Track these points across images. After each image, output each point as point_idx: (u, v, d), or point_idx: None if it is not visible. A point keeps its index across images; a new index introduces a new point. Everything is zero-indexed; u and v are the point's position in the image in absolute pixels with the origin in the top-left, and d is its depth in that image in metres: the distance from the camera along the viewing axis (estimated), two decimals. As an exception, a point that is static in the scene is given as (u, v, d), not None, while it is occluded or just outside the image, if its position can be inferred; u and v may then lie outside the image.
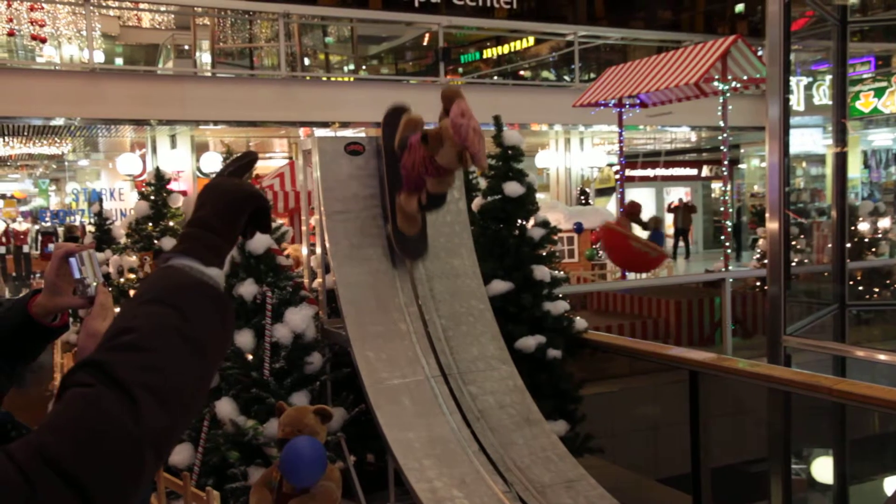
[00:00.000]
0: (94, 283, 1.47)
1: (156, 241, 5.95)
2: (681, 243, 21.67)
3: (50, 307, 1.52)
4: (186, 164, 15.12)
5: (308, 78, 16.79)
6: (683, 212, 21.71)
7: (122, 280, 6.31)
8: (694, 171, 24.25)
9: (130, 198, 16.38)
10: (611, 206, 19.79)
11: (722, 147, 11.08)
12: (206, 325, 1.02)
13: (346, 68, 22.61)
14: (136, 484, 0.89)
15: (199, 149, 15.88)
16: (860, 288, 9.77)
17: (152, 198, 6.14)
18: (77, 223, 18.53)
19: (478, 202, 5.65)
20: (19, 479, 0.80)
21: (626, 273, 11.95)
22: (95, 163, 20.36)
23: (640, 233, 11.36)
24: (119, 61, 17.39)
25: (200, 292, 1.04)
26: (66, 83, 13.29)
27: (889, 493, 6.86)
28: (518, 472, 4.41)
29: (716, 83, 10.70)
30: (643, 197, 23.12)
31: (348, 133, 14.66)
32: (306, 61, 20.36)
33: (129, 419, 0.88)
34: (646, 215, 23.10)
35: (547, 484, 4.37)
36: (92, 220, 8.08)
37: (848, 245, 7.50)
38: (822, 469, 7.63)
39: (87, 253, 1.49)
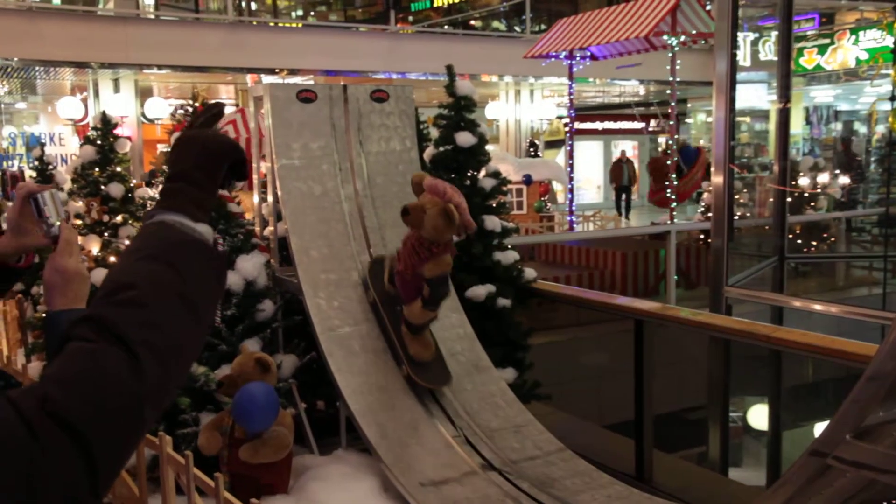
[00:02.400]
0: (58, 222, 1.47)
1: (102, 187, 5.83)
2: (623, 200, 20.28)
3: (15, 247, 1.52)
4: (130, 109, 14.72)
5: (255, 23, 16.39)
6: (629, 167, 20.26)
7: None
8: (641, 125, 24.46)
9: (71, 143, 15.91)
10: (559, 158, 19.90)
11: (670, 101, 11.21)
12: (203, 284, 1.03)
13: (293, 14, 22.14)
14: (135, 439, 0.92)
15: (144, 94, 15.45)
16: (799, 241, 10.08)
17: (98, 143, 5.99)
18: (15, 168, 17.95)
19: (429, 152, 5.65)
20: (24, 431, 0.81)
21: (574, 225, 12.11)
22: (33, 106, 19.69)
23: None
24: (56, 0, 16.70)
25: (196, 250, 1.04)
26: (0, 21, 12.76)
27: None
28: (467, 417, 4.50)
29: (665, 37, 10.78)
30: (591, 150, 23.30)
31: (297, 80, 14.41)
32: (253, 6, 19.87)
33: (131, 376, 0.89)
34: (595, 169, 23.10)
35: (495, 428, 4.48)
36: (32, 165, 7.85)
37: (788, 199, 7.71)
38: (758, 415, 7.95)
39: (50, 192, 1.49)
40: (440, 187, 4.14)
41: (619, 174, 20.22)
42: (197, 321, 1.01)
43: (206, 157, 1.11)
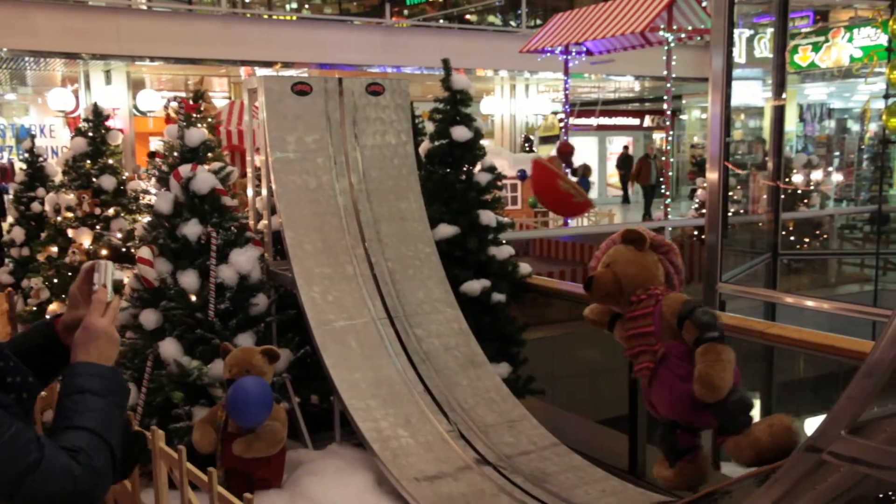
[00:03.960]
0: (96, 286, 1.56)
1: (94, 179, 5.80)
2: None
3: (70, 321, 1.59)
4: (122, 100, 14.66)
5: (249, 15, 16.34)
6: (657, 164, 17.61)
7: (59, 219, 6.15)
8: (636, 121, 24.47)
9: (62, 134, 15.83)
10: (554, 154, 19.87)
11: (665, 97, 11.22)
12: None
13: (288, 6, 22.06)
14: None
15: (136, 85, 15.39)
16: (791, 238, 10.10)
17: (90, 134, 5.95)
18: (5, 160, 17.86)
19: (425, 146, 5.63)
20: None
21: (568, 221, 12.10)
22: (23, 97, 19.59)
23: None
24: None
25: None
26: (-11, 12, 12.68)
27: (809, 433, 7.20)
28: (462, 412, 4.50)
29: (661, 33, 10.77)
30: (586, 146, 23.27)
31: (292, 73, 14.36)
32: (247, -2, 19.78)
33: None
34: (590, 164, 23.13)
35: (490, 423, 4.47)
36: (22, 157, 7.82)
37: (782, 196, 7.72)
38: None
39: (104, 263, 1.60)
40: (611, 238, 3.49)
41: (647, 171, 18.10)
42: None
43: None
